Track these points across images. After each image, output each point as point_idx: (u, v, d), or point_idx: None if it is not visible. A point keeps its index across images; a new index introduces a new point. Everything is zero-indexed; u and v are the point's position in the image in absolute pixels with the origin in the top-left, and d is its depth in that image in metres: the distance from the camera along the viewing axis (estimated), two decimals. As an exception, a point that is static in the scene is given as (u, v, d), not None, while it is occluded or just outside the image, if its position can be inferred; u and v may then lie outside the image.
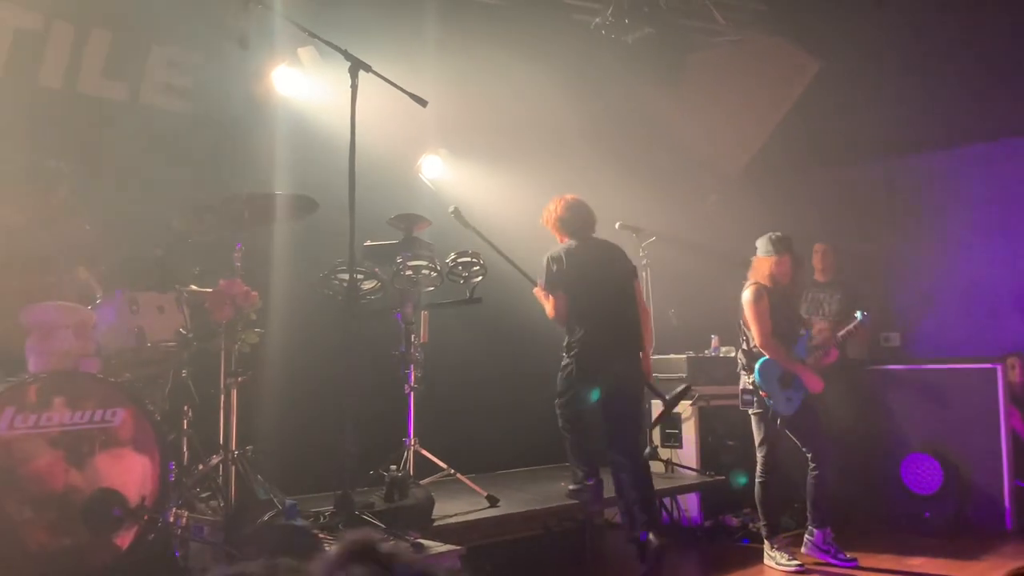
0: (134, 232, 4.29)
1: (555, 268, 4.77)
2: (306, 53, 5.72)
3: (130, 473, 3.37)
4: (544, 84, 6.26)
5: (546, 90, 6.26)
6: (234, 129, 5.51)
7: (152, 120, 5.41)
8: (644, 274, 5.99)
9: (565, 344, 4.80)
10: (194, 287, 4.01)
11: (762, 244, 5.16)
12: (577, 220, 4.92)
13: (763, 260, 5.13)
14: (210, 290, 3.96)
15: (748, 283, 5.14)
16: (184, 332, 3.79)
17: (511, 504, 4.96)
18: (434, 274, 4.96)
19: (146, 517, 3.34)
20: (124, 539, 3.31)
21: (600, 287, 4.76)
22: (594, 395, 4.64)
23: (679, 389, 5.48)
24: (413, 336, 4.97)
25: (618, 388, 4.70)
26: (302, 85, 5.71)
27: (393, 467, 4.70)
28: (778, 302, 5.09)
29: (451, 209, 5.30)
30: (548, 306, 4.82)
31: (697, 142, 7.55)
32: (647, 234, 6.24)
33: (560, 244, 4.92)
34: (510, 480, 5.72)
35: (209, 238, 4.15)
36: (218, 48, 5.45)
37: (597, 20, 6.04)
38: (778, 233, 5.14)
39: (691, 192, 7.59)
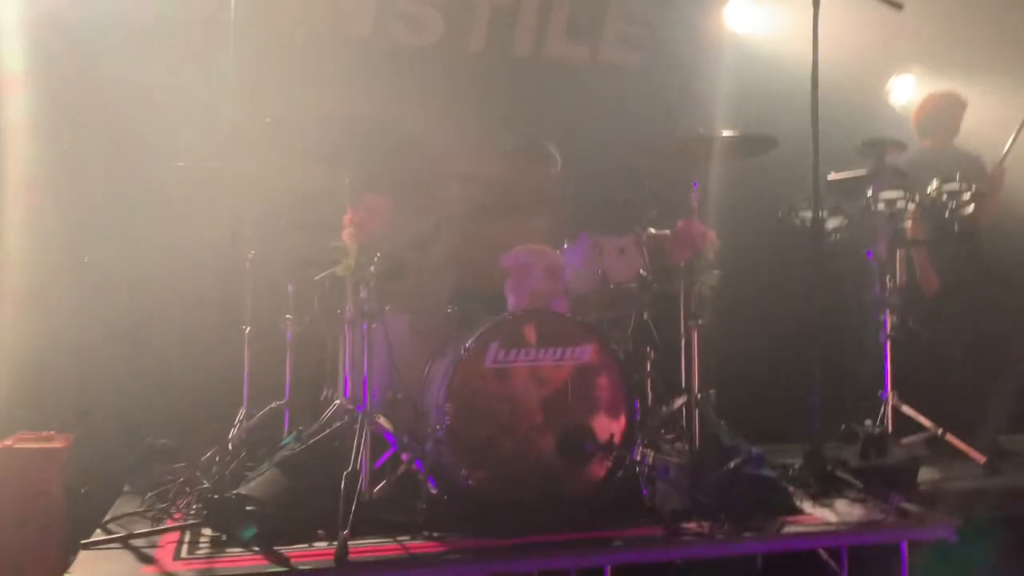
0: (593, 179, 4.44)
1: None
2: (760, -18, 5.44)
3: (598, 410, 3.48)
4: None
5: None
6: (686, 72, 5.47)
7: (609, 74, 5.60)
8: None
9: None
10: (652, 230, 4.00)
11: None
12: (933, 119, 4.89)
13: None
14: (668, 232, 3.92)
15: None
16: (644, 274, 3.80)
17: (1018, 475, 4.20)
18: (911, 206, 4.36)
19: (615, 454, 3.42)
20: (596, 473, 3.44)
21: None
22: None
23: None
24: (888, 277, 4.44)
25: None
26: (755, 17, 5.50)
27: (868, 422, 4.28)
28: None
29: None
30: None
31: None
32: None
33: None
34: (1014, 446, 4.83)
35: (666, 180, 4.12)
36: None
37: None
38: None
39: None
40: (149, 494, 3.52)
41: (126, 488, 3.75)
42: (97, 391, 4.14)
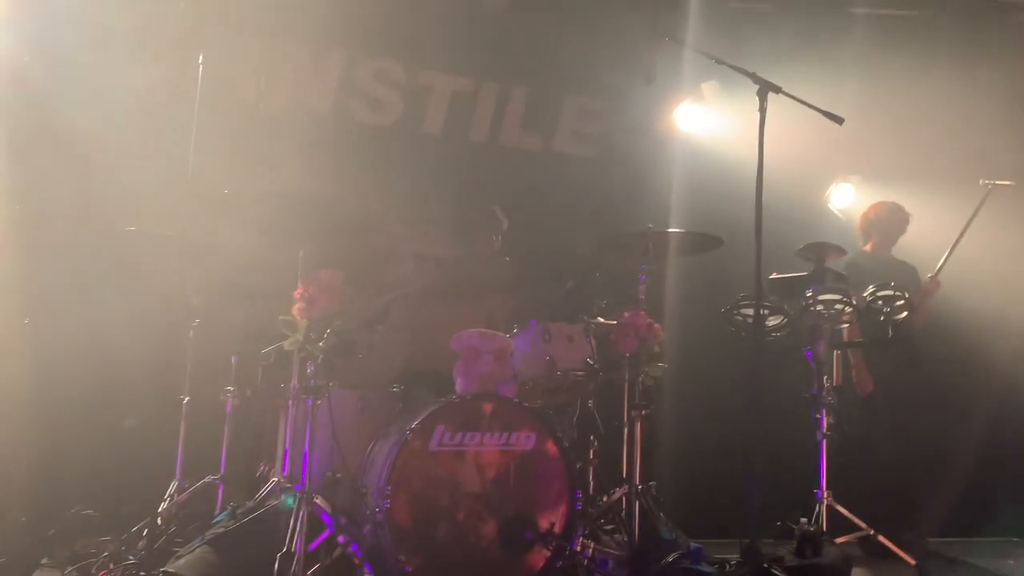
0: (545, 267, 4.51)
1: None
2: (709, 88, 5.69)
3: (540, 498, 3.46)
4: (981, 97, 5.50)
5: (985, 104, 5.49)
6: (638, 168, 5.65)
7: (562, 165, 5.76)
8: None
9: None
10: (600, 319, 4.07)
11: None
12: (877, 226, 5.10)
13: None
14: (615, 322, 3.98)
15: None
16: (591, 362, 3.85)
17: (946, 579, 4.27)
18: (849, 309, 4.51)
19: (555, 543, 3.39)
20: (534, 563, 3.40)
21: None
22: None
23: None
24: (825, 377, 4.55)
25: None
26: (705, 120, 5.72)
27: (803, 520, 4.32)
28: None
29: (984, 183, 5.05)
30: None
31: None
32: None
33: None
34: (944, 550, 4.93)
35: (615, 272, 4.21)
36: (624, 92, 5.65)
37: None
38: None
39: None
40: (69, 568, 3.37)
41: (44, 561, 3.57)
42: (20, 455, 3.97)
